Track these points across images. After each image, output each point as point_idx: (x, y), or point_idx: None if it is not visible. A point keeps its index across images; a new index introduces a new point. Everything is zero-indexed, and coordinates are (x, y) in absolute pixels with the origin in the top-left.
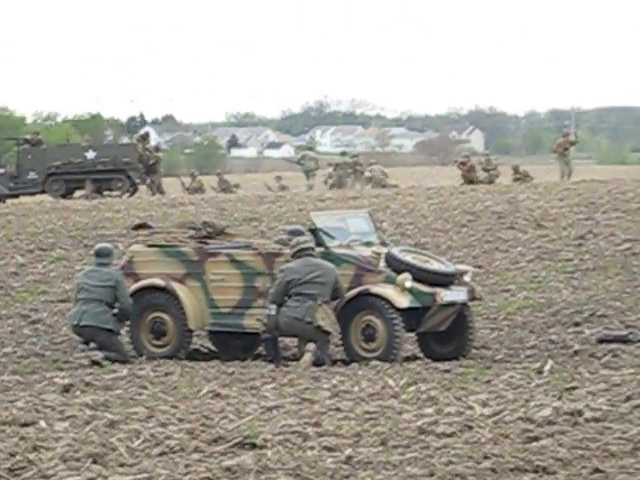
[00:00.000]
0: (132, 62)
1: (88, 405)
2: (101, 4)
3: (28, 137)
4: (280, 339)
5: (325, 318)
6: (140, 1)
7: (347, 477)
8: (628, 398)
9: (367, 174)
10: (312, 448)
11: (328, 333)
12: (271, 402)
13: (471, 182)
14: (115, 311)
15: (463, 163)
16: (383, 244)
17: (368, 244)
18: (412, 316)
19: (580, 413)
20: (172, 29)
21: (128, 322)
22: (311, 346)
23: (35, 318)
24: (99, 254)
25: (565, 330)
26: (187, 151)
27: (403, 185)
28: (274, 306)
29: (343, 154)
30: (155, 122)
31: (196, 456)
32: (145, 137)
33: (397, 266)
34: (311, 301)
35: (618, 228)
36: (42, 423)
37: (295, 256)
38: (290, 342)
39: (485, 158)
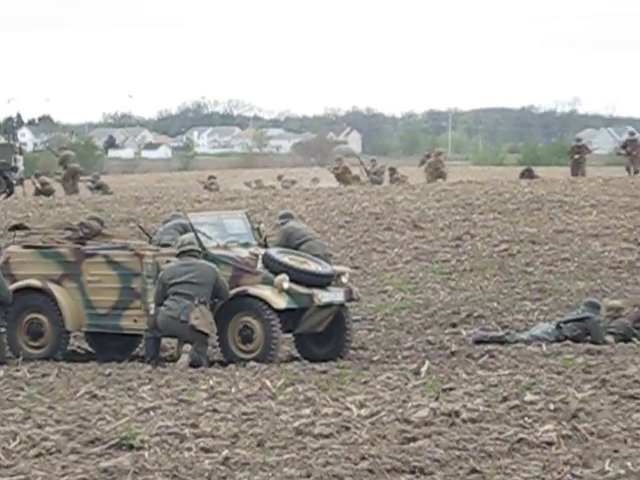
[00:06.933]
0: (9, 62)
1: None
2: None
3: None
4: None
5: (200, 318)
6: (15, 0)
7: (224, 478)
8: (504, 399)
9: None
10: (189, 449)
11: (204, 333)
12: (148, 403)
13: (347, 182)
14: None
15: (336, 167)
16: (265, 245)
17: (245, 245)
18: (289, 317)
19: (457, 414)
20: (47, 28)
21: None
22: (187, 347)
23: None
24: None
25: (442, 331)
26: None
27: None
28: (153, 306)
29: None
30: (32, 122)
31: (73, 457)
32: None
33: (274, 267)
34: (188, 301)
35: (495, 229)
36: None
37: (178, 256)
38: (167, 343)
39: (372, 162)
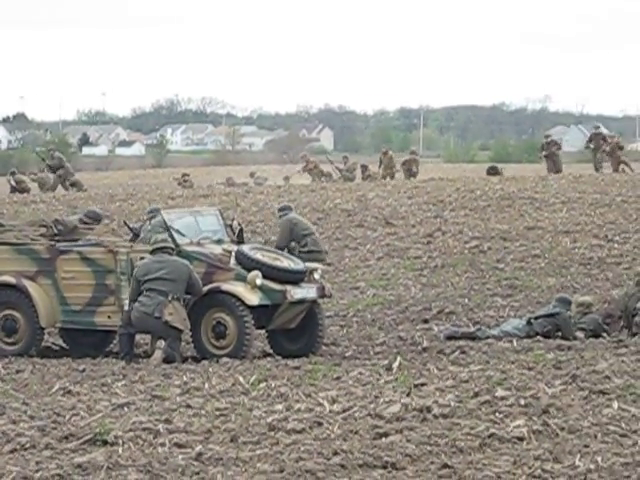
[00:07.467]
0: None
1: None
2: None
3: None
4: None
5: (173, 314)
6: None
7: (197, 473)
8: (476, 394)
9: None
10: (163, 445)
11: (177, 329)
12: (122, 399)
13: (318, 176)
14: None
15: (305, 165)
16: (238, 242)
17: (219, 241)
18: (262, 313)
19: (429, 409)
20: (20, 27)
21: None
22: (161, 343)
23: None
24: None
25: (414, 327)
26: (38, 149)
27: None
28: (127, 302)
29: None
30: (6, 120)
31: (47, 453)
32: None
33: (247, 264)
34: (161, 297)
35: (466, 226)
36: None
37: (151, 253)
38: (141, 339)
39: (344, 159)
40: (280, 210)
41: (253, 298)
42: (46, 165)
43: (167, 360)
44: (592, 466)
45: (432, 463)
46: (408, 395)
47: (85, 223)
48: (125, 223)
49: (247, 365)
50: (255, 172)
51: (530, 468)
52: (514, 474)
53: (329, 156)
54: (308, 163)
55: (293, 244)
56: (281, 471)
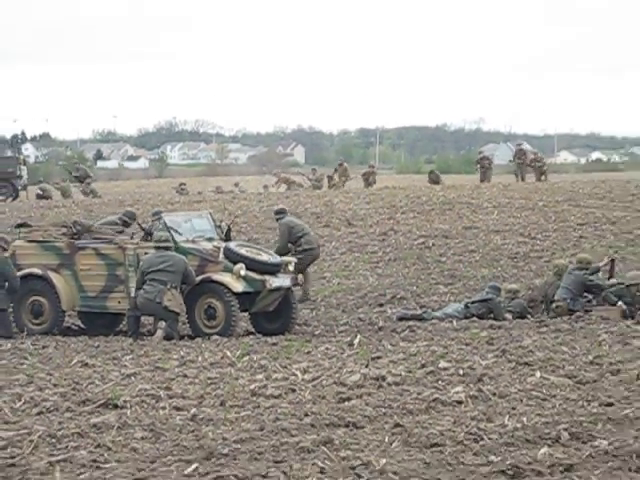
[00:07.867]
0: (16, 89)
1: None
2: None
3: None
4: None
5: (172, 300)
6: (14, 35)
7: (192, 431)
8: (423, 365)
9: None
10: (164, 408)
11: (175, 312)
12: (130, 370)
13: (290, 185)
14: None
15: (277, 180)
16: (226, 239)
17: (210, 239)
18: (246, 299)
19: (383, 378)
20: (47, 62)
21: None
22: (162, 324)
23: None
24: None
25: (371, 310)
26: (60, 163)
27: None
28: (134, 289)
29: None
30: (34, 139)
31: (68, 415)
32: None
33: (233, 258)
34: (162, 286)
35: (414, 226)
36: None
37: (156, 248)
38: (145, 320)
39: (313, 171)
40: (277, 213)
41: (238, 286)
42: (73, 176)
43: (167, 338)
44: (518, 425)
45: (386, 423)
46: (367, 366)
47: (124, 222)
48: (138, 224)
49: (233, 342)
50: (239, 182)
51: (467, 427)
52: (454, 432)
53: (300, 170)
54: (280, 179)
55: (290, 245)
56: (261, 429)
